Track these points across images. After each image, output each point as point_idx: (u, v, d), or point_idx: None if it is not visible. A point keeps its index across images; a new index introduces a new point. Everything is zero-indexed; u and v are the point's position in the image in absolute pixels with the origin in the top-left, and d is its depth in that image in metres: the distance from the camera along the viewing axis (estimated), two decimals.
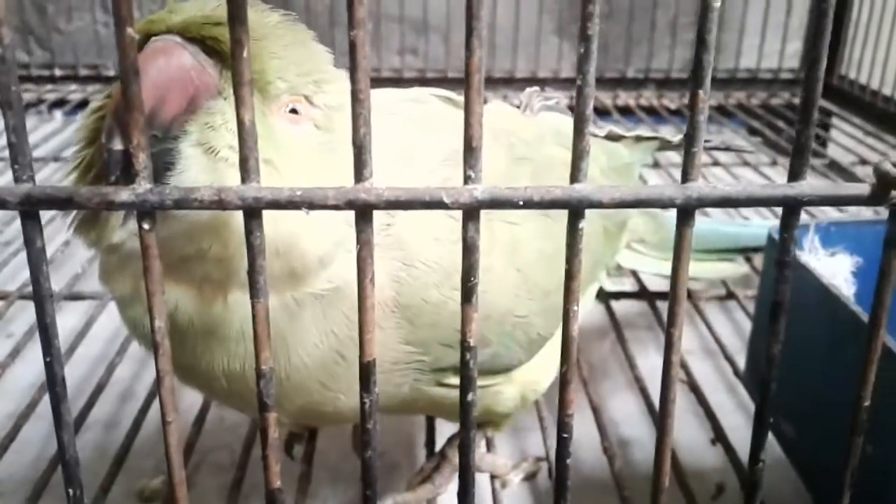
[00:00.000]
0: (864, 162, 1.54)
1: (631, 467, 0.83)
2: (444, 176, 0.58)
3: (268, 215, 0.38)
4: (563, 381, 0.41)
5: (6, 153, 0.37)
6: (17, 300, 1.03)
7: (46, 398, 0.41)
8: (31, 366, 0.92)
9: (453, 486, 0.47)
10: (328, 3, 1.91)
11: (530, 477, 0.80)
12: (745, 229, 1.04)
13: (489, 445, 0.78)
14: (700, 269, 1.00)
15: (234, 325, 0.50)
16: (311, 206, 0.37)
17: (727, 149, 1.01)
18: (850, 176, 1.46)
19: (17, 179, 0.37)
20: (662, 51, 1.98)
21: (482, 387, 0.65)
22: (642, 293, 1.08)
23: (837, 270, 0.72)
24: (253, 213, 0.37)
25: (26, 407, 0.80)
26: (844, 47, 1.89)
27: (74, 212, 0.49)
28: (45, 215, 0.39)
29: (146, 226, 0.37)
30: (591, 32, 0.35)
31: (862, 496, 0.47)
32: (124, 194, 0.36)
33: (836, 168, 1.52)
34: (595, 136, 0.87)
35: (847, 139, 1.68)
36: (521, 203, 0.37)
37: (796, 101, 1.62)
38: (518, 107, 0.84)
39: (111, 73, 1.92)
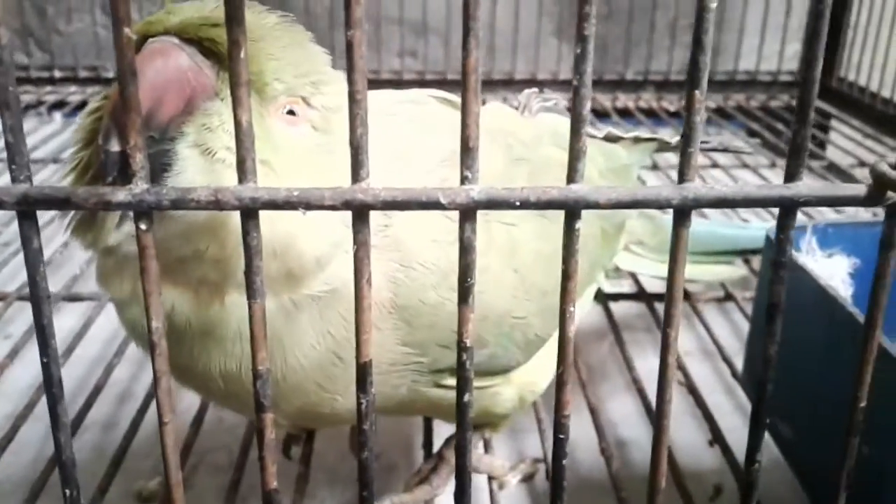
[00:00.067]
0: (862, 164, 1.54)
1: (629, 468, 0.83)
2: (442, 177, 0.58)
3: (265, 216, 0.38)
4: (559, 383, 0.41)
5: (4, 154, 0.37)
6: (16, 301, 1.03)
7: (44, 399, 0.41)
8: (30, 367, 0.92)
9: (451, 487, 0.47)
10: (327, 4, 1.91)
11: (528, 478, 0.80)
12: (743, 231, 1.04)
13: (487, 447, 0.78)
14: (698, 272, 1.01)
15: (231, 326, 0.50)
16: (308, 206, 0.37)
17: (726, 150, 1.01)
18: (848, 178, 1.46)
19: (14, 180, 0.37)
20: (661, 52, 1.98)
21: (480, 388, 0.65)
22: (640, 295, 1.08)
23: (835, 272, 0.72)
24: (250, 214, 0.37)
25: (24, 408, 0.80)
26: (844, 50, 1.89)
27: (72, 213, 0.49)
28: (43, 216, 0.39)
29: (143, 226, 0.37)
30: (587, 33, 0.35)
31: (858, 497, 0.48)
32: (121, 194, 0.36)
33: (834, 170, 1.52)
34: (593, 137, 0.87)
35: (846, 141, 1.68)
36: (518, 204, 0.37)
37: (795, 102, 1.61)
38: (516, 108, 0.85)
39: (110, 74, 1.92)
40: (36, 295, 0.39)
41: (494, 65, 1.93)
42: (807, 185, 0.39)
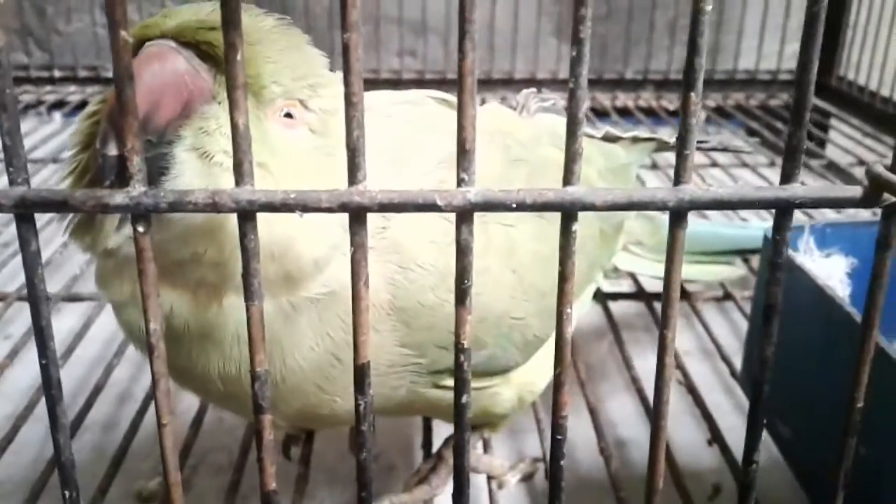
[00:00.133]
0: (862, 163, 1.54)
1: (628, 468, 0.83)
2: (440, 178, 0.58)
3: (263, 219, 0.38)
4: (556, 384, 0.41)
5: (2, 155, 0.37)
6: (16, 301, 1.04)
7: (44, 400, 0.41)
8: (30, 367, 0.92)
9: (450, 487, 0.47)
10: (327, 5, 1.91)
11: (527, 478, 0.80)
12: (742, 231, 1.04)
13: (486, 446, 0.78)
14: (697, 272, 1.01)
15: (230, 328, 0.50)
16: (305, 208, 0.37)
17: (725, 150, 1.01)
18: (848, 177, 1.46)
19: (11, 182, 0.37)
20: (661, 52, 1.98)
21: (479, 388, 0.65)
22: (640, 294, 1.08)
23: (833, 272, 0.72)
24: (247, 216, 0.37)
25: (24, 408, 0.81)
26: (843, 48, 1.89)
27: (70, 216, 0.49)
28: (43, 217, 0.40)
29: (141, 229, 0.37)
30: (583, 36, 0.35)
31: (856, 497, 0.48)
32: (119, 197, 0.36)
33: (834, 169, 1.52)
34: (592, 137, 0.87)
35: (845, 140, 1.68)
36: (514, 206, 0.38)
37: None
38: (514, 108, 0.85)
39: (110, 74, 1.90)
40: (34, 297, 0.39)
41: (494, 64, 1.93)
42: (803, 186, 0.39)
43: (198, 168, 0.46)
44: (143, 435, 0.79)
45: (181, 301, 0.49)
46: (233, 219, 0.41)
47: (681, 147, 0.38)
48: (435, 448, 0.76)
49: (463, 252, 0.38)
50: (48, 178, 1.44)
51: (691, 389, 0.87)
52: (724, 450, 0.77)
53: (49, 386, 0.40)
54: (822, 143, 1.73)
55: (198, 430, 0.80)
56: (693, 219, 1.19)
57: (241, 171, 0.37)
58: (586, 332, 1.05)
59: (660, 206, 0.38)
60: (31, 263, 0.38)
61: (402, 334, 0.57)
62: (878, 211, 0.40)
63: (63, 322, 1.01)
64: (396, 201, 0.37)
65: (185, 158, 0.46)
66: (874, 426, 0.51)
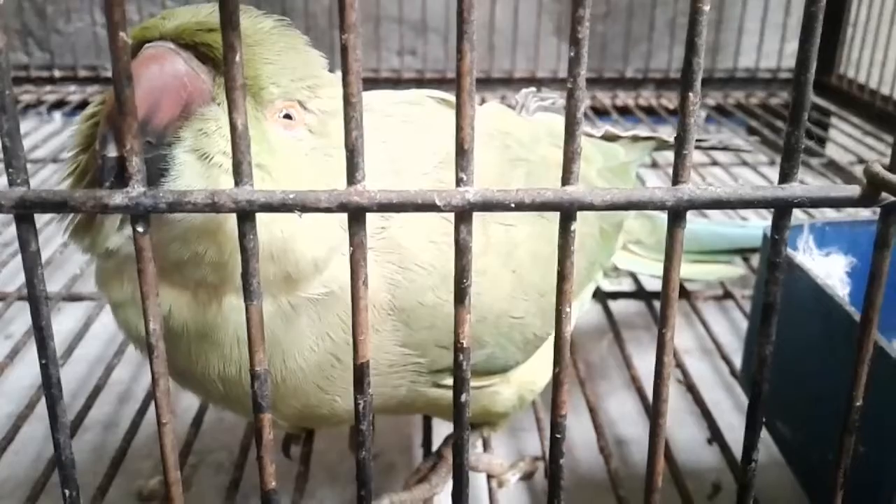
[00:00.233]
0: (862, 161, 1.54)
1: (628, 467, 0.84)
2: (439, 178, 0.58)
3: (262, 220, 0.38)
4: (556, 383, 0.42)
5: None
6: (16, 301, 1.04)
7: (45, 399, 0.42)
8: (30, 367, 0.92)
9: (449, 485, 0.47)
10: (327, 4, 1.91)
11: (527, 477, 0.80)
12: (742, 230, 1.04)
13: (486, 445, 0.78)
14: (697, 271, 1.01)
15: (229, 329, 0.50)
16: (304, 208, 0.37)
17: (725, 148, 1.01)
18: (848, 175, 1.46)
19: (11, 183, 0.37)
20: (661, 51, 1.98)
21: (479, 387, 0.65)
22: (640, 293, 1.08)
23: (832, 270, 0.72)
24: (246, 216, 0.37)
25: (25, 408, 0.81)
26: (843, 47, 1.89)
27: (70, 217, 0.49)
28: (44, 216, 0.40)
29: (140, 229, 0.37)
30: (581, 36, 0.35)
31: (855, 496, 0.48)
32: (118, 197, 0.37)
33: (834, 167, 1.52)
34: (592, 136, 0.87)
35: (846, 138, 1.68)
36: (513, 205, 0.38)
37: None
38: (514, 107, 0.85)
39: (110, 74, 1.91)
40: (34, 297, 0.39)
41: (494, 63, 1.93)
42: (801, 185, 0.39)
43: (197, 169, 0.46)
44: (143, 434, 0.79)
45: (180, 302, 0.49)
46: (232, 219, 0.41)
47: (679, 146, 0.38)
48: (435, 447, 0.76)
49: (462, 252, 0.38)
50: (48, 178, 1.44)
51: (691, 388, 0.87)
52: (724, 448, 0.77)
53: (49, 385, 0.41)
54: (822, 142, 1.73)
55: (198, 429, 0.80)
56: (693, 218, 1.20)
57: (239, 171, 0.37)
58: (586, 331, 1.05)
59: (658, 206, 0.38)
60: (31, 263, 0.38)
61: (402, 334, 0.57)
62: (878, 210, 0.40)
63: (63, 322, 1.01)
64: (395, 201, 0.37)
65: (185, 160, 0.46)
66: (873, 425, 0.51)
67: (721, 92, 1.97)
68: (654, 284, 1.08)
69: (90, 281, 0.98)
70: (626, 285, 1.10)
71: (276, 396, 0.55)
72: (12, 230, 1.23)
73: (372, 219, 0.53)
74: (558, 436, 0.43)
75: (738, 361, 0.89)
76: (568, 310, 0.40)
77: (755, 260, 1.07)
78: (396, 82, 1.90)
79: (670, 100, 1.94)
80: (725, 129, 1.86)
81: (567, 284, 0.39)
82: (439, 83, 1.89)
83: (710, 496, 0.80)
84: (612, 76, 1.98)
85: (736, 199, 0.39)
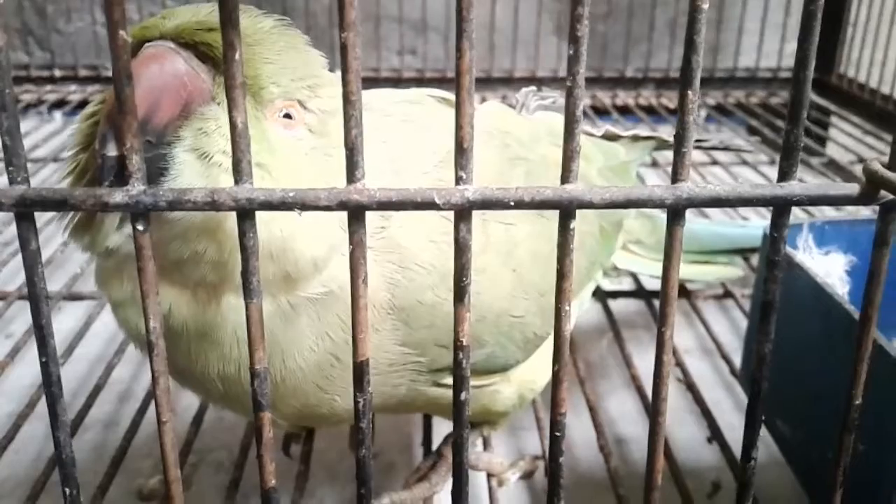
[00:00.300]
0: (862, 160, 1.53)
1: (627, 466, 0.84)
2: (439, 178, 0.58)
3: (261, 219, 0.38)
4: (555, 381, 0.42)
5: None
6: (17, 300, 1.04)
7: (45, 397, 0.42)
8: (31, 366, 0.92)
9: (450, 484, 0.47)
10: (327, 3, 1.91)
11: (527, 476, 0.80)
12: (742, 230, 1.04)
13: (486, 444, 0.78)
14: (697, 272, 1.01)
15: (228, 328, 0.50)
16: (304, 206, 0.37)
17: (726, 148, 1.01)
18: (848, 175, 1.46)
19: (11, 181, 0.37)
20: (661, 50, 1.98)
21: (479, 386, 0.65)
22: (640, 292, 1.08)
23: (832, 269, 0.72)
24: (246, 215, 0.37)
25: (25, 407, 0.81)
26: (843, 46, 1.89)
27: (70, 215, 0.49)
28: (44, 216, 0.40)
29: (140, 227, 0.37)
30: (580, 34, 0.35)
31: (854, 494, 0.48)
32: (118, 196, 0.37)
33: (834, 167, 1.52)
34: (592, 135, 0.87)
35: (846, 138, 1.68)
36: (513, 204, 0.38)
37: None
38: (514, 106, 0.85)
39: (110, 73, 1.91)
40: (34, 295, 0.39)
41: (494, 63, 1.93)
42: (800, 184, 0.39)
43: (197, 169, 0.46)
44: (143, 433, 0.79)
45: (180, 301, 0.49)
46: (231, 218, 0.41)
47: (678, 145, 0.38)
48: (435, 446, 0.76)
49: (461, 250, 0.38)
50: (49, 178, 1.44)
51: (691, 387, 0.87)
52: (724, 447, 0.77)
53: (49, 383, 0.41)
54: (822, 141, 1.73)
55: (198, 428, 0.80)
56: (693, 218, 1.20)
57: (239, 169, 0.37)
58: (586, 330, 1.05)
59: (657, 204, 0.38)
60: (31, 262, 0.38)
61: (402, 333, 0.57)
62: (877, 208, 0.40)
63: (64, 321, 1.01)
64: (395, 199, 0.37)
65: (184, 159, 0.46)
66: (873, 423, 0.51)
67: (721, 91, 1.97)
68: (653, 284, 1.08)
69: (90, 280, 0.98)
70: (626, 284, 1.10)
71: (275, 396, 0.55)
72: (13, 229, 1.23)
73: (371, 218, 0.53)
74: (558, 434, 0.43)
75: (738, 361, 0.89)
76: (567, 308, 0.40)
77: (755, 260, 1.07)
78: (396, 82, 1.90)
79: (670, 99, 1.94)
80: (726, 128, 1.86)
81: (566, 282, 0.39)
82: (439, 82, 1.89)
83: (710, 495, 0.80)
84: (613, 76, 1.98)
85: (735, 198, 0.39)
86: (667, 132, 0.96)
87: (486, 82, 1.93)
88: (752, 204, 0.39)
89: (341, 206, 0.37)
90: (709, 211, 1.25)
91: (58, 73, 1.92)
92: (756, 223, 1.11)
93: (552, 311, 0.40)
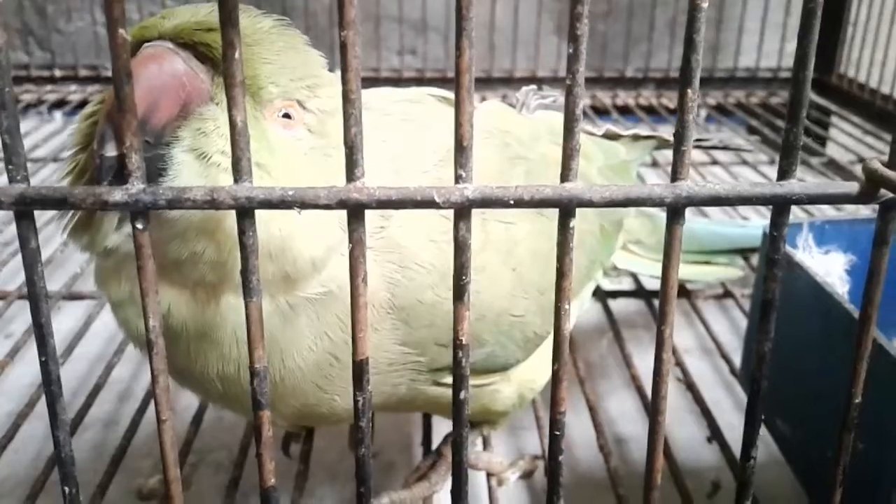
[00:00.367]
0: (862, 160, 1.53)
1: (627, 465, 0.84)
2: (438, 177, 0.58)
3: (260, 218, 0.38)
4: (555, 380, 0.42)
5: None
6: (17, 300, 1.04)
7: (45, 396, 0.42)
8: (31, 365, 0.92)
9: (449, 484, 0.47)
10: (327, 3, 1.91)
11: (527, 475, 0.80)
12: (742, 230, 1.04)
13: (486, 444, 0.78)
14: (697, 272, 1.01)
15: (227, 328, 0.50)
16: (303, 205, 0.37)
17: (726, 148, 1.01)
18: (848, 175, 1.46)
19: (11, 180, 0.37)
20: (661, 50, 1.98)
21: (479, 386, 0.65)
22: (640, 292, 1.08)
23: (831, 268, 0.72)
24: (245, 213, 0.37)
25: (25, 406, 0.81)
26: (843, 46, 1.89)
27: (69, 215, 0.49)
28: (44, 216, 0.40)
29: (139, 226, 0.37)
30: (579, 33, 0.35)
31: (854, 493, 0.48)
32: (118, 194, 0.37)
33: (834, 167, 1.52)
34: (592, 134, 0.87)
35: (846, 138, 1.68)
36: (512, 202, 0.38)
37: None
38: (514, 105, 0.85)
39: (110, 73, 1.91)
40: (34, 294, 0.39)
41: (494, 62, 1.93)
42: (800, 182, 0.39)
43: (195, 169, 0.46)
44: (143, 433, 0.79)
45: (179, 300, 0.49)
46: (231, 217, 0.41)
47: (677, 143, 0.38)
48: (434, 445, 0.76)
49: (461, 248, 0.38)
50: (49, 178, 1.44)
51: (691, 387, 0.87)
52: (724, 447, 0.77)
53: (49, 382, 0.41)
54: (822, 141, 1.73)
55: (198, 428, 0.80)
56: (693, 218, 1.20)
57: (238, 167, 0.37)
58: (586, 330, 1.05)
59: (657, 203, 0.38)
60: (31, 260, 0.38)
61: (401, 333, 0.57)
62: (876, 207, 0.40)
63: (64, 320, 1.01)
64: (395, 198, 0.37)
65: (183, 159, 0.46)
66: (872, 422, 0.51)
67: (721, 91, 1.97)
68: (653, 284, 1.08)
69: (90, 280, 0.98)
70: (626, 284, 1.10)
71: (274, 396, 0.55)
72: (12, 229, 1.23)
73: (371, 218, 0.53)
74: (557, 433, 0.43)
75: (737, 360, 0.89)
76: (567, 307, 0.40)
77: (755, 260, 1.07)
78: (397, 81, 1.90)
79: (670, 99, 1.94)
80: (726, 128, 1.86)
81: (566, 281, 0.39)
82: (439, 82, 1.89)
83: (710, 494, 0.80)
84: (613, 76, 1.98)
85: (734, 196, 0.39)
86: (667, 132, 0.96)
87: (487, 82, 1.93)
88: (752, 202, 0.39)
89: (341, 204, 0.37)
90: (709, 211, 1.25)
91: (58, 73, 1.92)
92: (756, 223, 1.11)
93: (552, 310, 0.40)
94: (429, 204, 0.37)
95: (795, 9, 1.94)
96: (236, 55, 0.35)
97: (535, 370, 0.69)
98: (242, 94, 0.36)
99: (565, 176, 0.38)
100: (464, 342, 0.40)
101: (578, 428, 0.85)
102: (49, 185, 0.38)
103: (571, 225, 0.39)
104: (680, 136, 0.38)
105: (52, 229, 0.99)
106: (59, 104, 1.83)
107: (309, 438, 0.77)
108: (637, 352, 0.94)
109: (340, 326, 0.53)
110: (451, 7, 1.95)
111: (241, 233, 0.38)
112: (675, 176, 0.39)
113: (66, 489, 0.43)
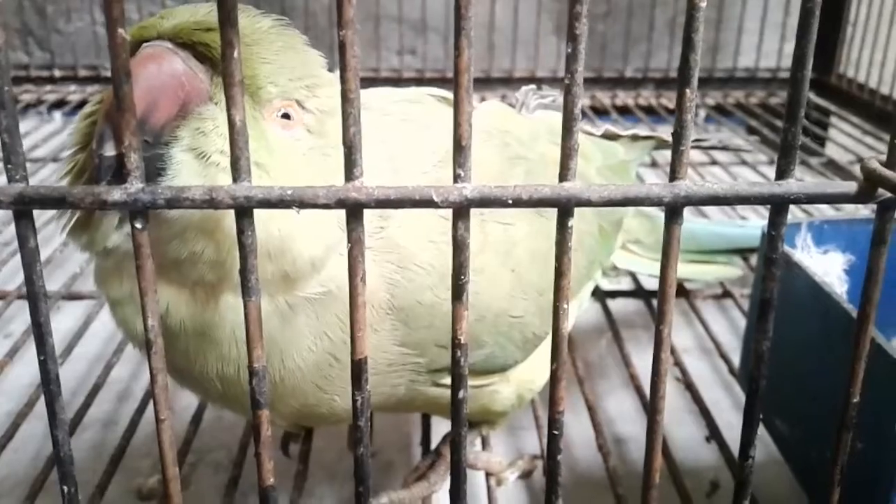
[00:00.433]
0: (861, 160, 1.53)
1: (626, 465, 0.84)
2: (438, 177, 0.58)
3: (259, 218, 0.38)
4: (553, 379, 0.42)
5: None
6: (16, 300, 1.04)
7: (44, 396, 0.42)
8: (30, 365, 0.92)
9: (448, 483, 0.48)
10: (326, 3, 1.91)
11: (526, 475, 0.80)
12: (741, 230, 1.04)
13: (485, 444, 0.79)
14: (696, 271, 1.01)
15: (226, 328, 0.50)
16: (302, 204, 0.37)
17: (725, 148, 1.01)
18: (847, 174, 1.46)
19: (10, 179, 0.37)
20: (661, 50, 1.98)
21: (478, 386, 0.65)
22: (639, 292, 1.08)
23: (830, 268, 0.72)
24: (244, 212, 0.37)
25: (24, 406, 0.81)
26: (843, 46, 1.89)
27: (68, 215, 0.49)
28: (44, 215, 0.40)
29: (138, 225, 0.37)
30: (578, 32, 0.35)
31: (852, 493, 0.48)
32: (117, 193, 0.37)
33: (833, 167, 1.52)
34: (592, 134, 0.87)
35: (845, 138, 1.68)
36: (511, 202, 0.38)
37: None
38: (514, 105, 0.85)
39: (110, 73, 1.92)
40: (32, 293, 0.39)
41: (493, 62, 1.93)
42: (798, 182, 0.39)
43: (194, 168, 0.46)
44: (142, 433, 0.79)
45: (178, 300, 0.49)
46: (230, 216, 0.41)
47: (676, 143, 0.38)
48: (434, 445, 0.76)
49: (459, 248, 0.38)
50: (48, 178, 1.44)
51: (689, 387, 0.87)
52: (723, 447, 0.77)
53: (48, 382, 0.41)
54: (821, 141, 1.73)
55: (197, 427, 0.80)
56: (692, 217, 1.20)
57: (237, 167, 0.37)
58: (585, 330, 1.05)
59: (655, 202, 0.38)
60: (30, 260, 0.39)
61: (401, 334, 0.57)
62: (875, 206, 0.41)
63: (63, 320, 1.01)
64: (393, 197, 0.37)
65: (182, 159, 0.46)
66: (870, 421, 0.51)
67: (721, 91, 1.97)
68: (652, 283, 1.08)
69: (89, 280, 0.98)
70: (625, 284, 1.10)
71: (274, 396, 0.55)
72: (12, 229, 1.23)
73: (370, 219, 0.53)
74: (556, 432, 0.43)
75: (736, 360, 0.89)
76: (565, 306, 0.40)
77: (754, 260, 1.07)
78: (396, 82, 1.90)
79: (670, 99, 1.94)
80: (725, 128, 1.86)
81: (564, 280, 0.39)
82: (439, 83, 1.89)
83: (709, 494, 0.80)
84: (612, 76, 1.98)
85: (732, 196, 0.39)
86: (666, 132, 0.95)
87: (486, 82, 1.93)
88: (750, 202, 0.39)
89: (339, 203, 0.37)
90: (708, 210, 1.25)
91: (57, 73, 1.92)
92: (755, 223, 1.11)
93: (551, 310, 0.40)
94: (427, 203, 0.37)
95: (795, 9, 1.94)
96: (235, 55, 0.35)
97: (535, 371, 0.69)
98: (241, 93, 0.36)
99: (564, 175, 0.38)
100: (462, 342, 0.40)
101: (577, 428, 0.85)
102: (48, 184, 0.38)
103: (570, 224, 0.39)
104: (678, 136, 0.38)
105: (51, 229, 0.99)
106: (59, 104, 1.83)
107: (308, 438, 0.78)
108: (636, 351, 0.95)
109: (340, 326, 0.53)
110: (451, 7, 1.93)
111: (240, 232, 0.38)
112: (673, 175, 0.39)
113: (66, 489, 0.43)
